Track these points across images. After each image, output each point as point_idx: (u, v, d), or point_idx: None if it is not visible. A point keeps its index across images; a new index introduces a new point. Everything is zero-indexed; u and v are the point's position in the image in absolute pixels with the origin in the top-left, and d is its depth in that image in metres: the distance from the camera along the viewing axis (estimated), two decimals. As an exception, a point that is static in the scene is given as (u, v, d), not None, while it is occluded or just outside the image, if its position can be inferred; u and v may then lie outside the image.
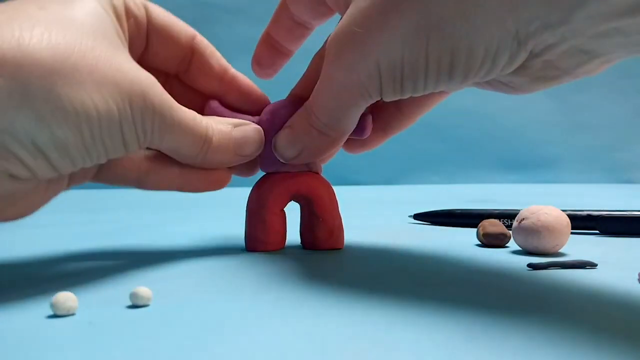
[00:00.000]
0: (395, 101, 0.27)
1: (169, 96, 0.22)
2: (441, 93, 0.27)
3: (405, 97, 0.22)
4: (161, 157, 0.26)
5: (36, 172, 0.19)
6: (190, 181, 0.26)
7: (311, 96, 0.25)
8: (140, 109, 0.21)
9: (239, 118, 0.29)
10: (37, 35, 0.18)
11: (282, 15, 0.28)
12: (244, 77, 0.29)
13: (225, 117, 0.28)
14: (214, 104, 0.29)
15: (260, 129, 0.27)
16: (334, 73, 0.22)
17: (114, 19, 0.23)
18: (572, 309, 0.18)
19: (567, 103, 1.14)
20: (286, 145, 0.26)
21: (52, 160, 0.19)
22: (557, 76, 0.21)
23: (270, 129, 0.28)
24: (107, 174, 0.25)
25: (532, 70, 0.20)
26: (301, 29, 0.29)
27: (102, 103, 0.19)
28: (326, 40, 0.25)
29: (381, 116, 0.30)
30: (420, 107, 0.29)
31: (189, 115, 0.23)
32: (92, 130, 0.19)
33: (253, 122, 0.29)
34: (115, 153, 0.21)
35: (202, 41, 0.28)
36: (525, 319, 0.17)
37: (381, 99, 0.22)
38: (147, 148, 0.24)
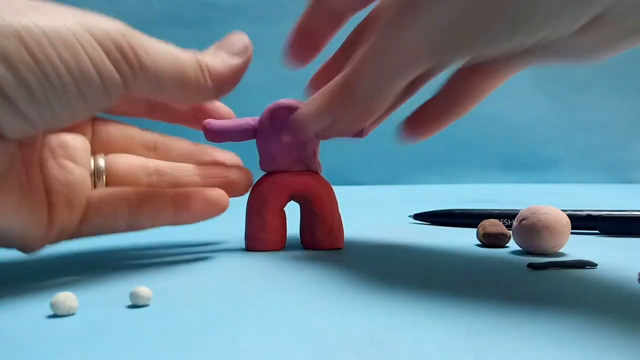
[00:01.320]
0: (459, 80, 0.26)
1: (134, 30, 0.21)
2: (504, 67, 0.25)
3: (464, 58, 0.21)
4: (151, 192, 0.25)
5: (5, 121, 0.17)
6: (187, 206, 0.26)
7: (356, 62, 0.22)
8: (102, 29, 0.19)
9: (240, 124, 0.29)
10: None
11: (319, 7, 0.28)
12: None
13: (226, 126, 0.28)
14: (210, 120, 0.29)
15: (237, 31, 0.26)
16: (390, 32, 0.20)
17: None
18: (572, 309, 0.18)
19: (567, 103, 1.13)
20: (316, 114, 0.24)
21: (5, 87, 0.17)
22: (628, 36, 0.19)
23: (270, 129, 0.28)
24: (94, 219, 0.24)
25: (602, 30, 0.19)
26: (339, 19, 0.28)
27: (43, 20, 0.18)
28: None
29: (445, 98, 0.28)
30: (487, 81, 0.26)
31: (168, 44, 0.22)
32: (41, 45, 0.17)
33: (252, 123, 0.29)
34: (88, 86, 0.19)
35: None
36: (525, 319, 0.17)
37: (436, 67, 0.21)
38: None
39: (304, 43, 0.29)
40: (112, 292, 0.20)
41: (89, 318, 0.17)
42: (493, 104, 1.11)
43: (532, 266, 0.24)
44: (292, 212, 0.31)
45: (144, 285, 0.19)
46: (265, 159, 0.29)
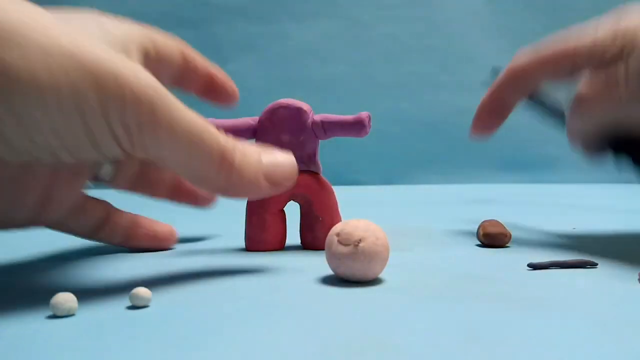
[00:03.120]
0: None
1: (168, 93, 0.18)
2: None
3: None
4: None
5: None
6: (135, 235, 0.28)
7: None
8: (113, 93, 0.16)
9: (240, 124, 0.29)
10: None
11: (515, 81, 0.30)
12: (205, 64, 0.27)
13: (226, 126, 0.28)
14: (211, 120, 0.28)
15: (292, 157, 0.22)
16: None
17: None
18: (572, 309, 0.18)
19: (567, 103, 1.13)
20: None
21: None
22: None
23: (270, 129, 0.28)
24: (73, 215, 0.25)
25: None
26: (531, 89, 0.31)
27: (45, 73, 0.15)
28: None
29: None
30: None
31: (198, 120, 0.19)
32: (27, 105, 0.15)
33: (251, 123, 0.29)
34: (81, 151, 0.17)
35: (192, 54, 0.26)
36: (525, 319, 0.17)
37: None
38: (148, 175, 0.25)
39: (493, 113, 0.32)
40: (112, 293, 0.20)
41: (89, 319, 0.17)
42: (493, 104, 1.12)
43: (532, 266, 0.24)
44: (292, 212, 0.31)
45: (143, 285, 0.19)
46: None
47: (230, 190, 0.21)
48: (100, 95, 0.16)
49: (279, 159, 0.22)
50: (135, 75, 0.17)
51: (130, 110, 0.17)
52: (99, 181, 0.27)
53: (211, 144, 0.19)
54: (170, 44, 0.24)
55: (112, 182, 0.27)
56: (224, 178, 0.20)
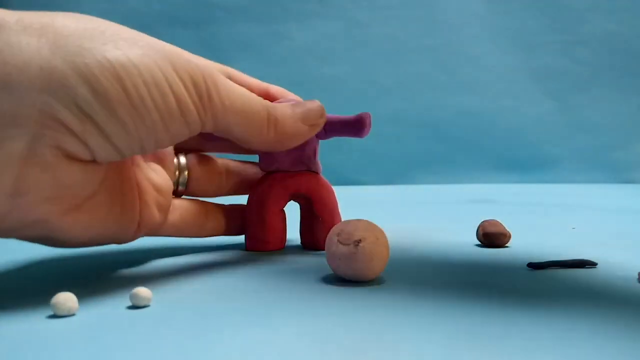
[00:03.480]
0: None
1: (214, 69, 0.22)
2: None
3: None
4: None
5: (90, 145, 0.18)
6: (236, 219, 0.30)
7: None
8: (185, 68, 0.20)
9: None
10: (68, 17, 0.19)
11: None
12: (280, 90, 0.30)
13: None
14: None
15: (318, 102, 0.27)
16: None
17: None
18: (572, 309, 0.18)
19: (567, 103, 1.13)
20: None
21: (102, 125, 0.18)
22: None
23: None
24: (171, 223, 0.26)
25: None
26: None
27: (137, 56, 0.19)
28: None
29: None
30: None
31: (243, 89, 0.23)
32: (136, 85, 0.18)
33: None
34: (174, 122, 0.20)
35: (277, 89, 0.30)
36: (525, 319, 0.17)
37: None
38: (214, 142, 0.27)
39: None
40: (112, 292, 0.20)
41: (89, 319, 0.17)
42: (493, 104, 1.12)
43: (532, 266, 0.24)
44: (292, 212, 0.31)
45: (144, 286, 0.20)
46: (265, 159, 0.29)
47: (280, 142, 0.25)
48: (177, 72, 0.20)
49: (307, 105, 0.26)
50: (197, 59, 0.22)
51: (199, 84, 0.21)
52: (177, 194, 0.28)
53: (258, 105, 0.23)
54: None
55: (186, 191, 0.29)
56: (273, 131, 0.24)
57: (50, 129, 0.17)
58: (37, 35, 0.17)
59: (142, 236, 0.25)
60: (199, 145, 0.29)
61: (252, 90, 0.28)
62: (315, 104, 0.27)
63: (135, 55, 0.19)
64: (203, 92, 0.21)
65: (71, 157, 0.18)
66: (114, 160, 0.20)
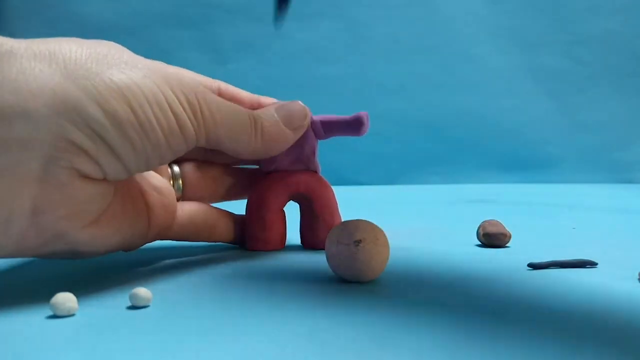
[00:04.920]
0: None
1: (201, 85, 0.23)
2: None
3: None
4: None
5: (101, 164, 0.19)
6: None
7: None
8: (179, 88, 0.21)
9: None
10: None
11: None
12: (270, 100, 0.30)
13: None
14: None
15: (299, 101, 0.27)
16: None
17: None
18: (572, 308, 0.18)
19: (567, 103, 1.13)
20: None
21: (113, 144, 0.19)
22: None
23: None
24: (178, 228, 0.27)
25: None
26: None
27: (140, 78, 0.20)
28: None
29: None
30: None
31: (231, 102, 0.24)
32: (142, 106, 0.19)
33: None
34: (174, 138, 0.21)
35: (268, 100, 0.30)
36: (525, 319, 0.17)
37: None
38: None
39: None
40: (112, 293, 0.20)
41: (89, 319, 0.17)
42: (493, 104, 1.12)
43: (532, 266, 0.24)
44: (292, 212, 0.31)
45: (143, 286, 0.20)
46: (265, 159, 0.29)
47: (267, 149, 0.26)
48: (172, 89, 0.21)
49: (290, 107, 0.27)
50: (189, 76, 0.24)
51: (193, 101, 0.22)
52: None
53: (244, 116, 0.24)
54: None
55: (182, 197, 0.29)
56: (259, 139, 0.25)
57: (64, 151, 0.18)
58: (47, 61, 0.18)
59: (154, 239, 0.25)
60: (199, 156, 0.30)
61: (243, 102, 0.29)
62: (297, 106, 0.27)
63: (138, 77, 0.20)
64: (197, 109, 0.22)
65: (84, 177, 0.19)
66: (122, 178, 0.21)
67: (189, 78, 0.23)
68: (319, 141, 0.30)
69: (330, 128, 0.29)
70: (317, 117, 0.29)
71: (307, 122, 0.27)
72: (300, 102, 0.27)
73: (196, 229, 0.27)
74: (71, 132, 0.18)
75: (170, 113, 0.21)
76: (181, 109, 0.21)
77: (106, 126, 0.19)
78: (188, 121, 0.21)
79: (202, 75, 0.28)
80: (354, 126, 0.28)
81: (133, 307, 0.18)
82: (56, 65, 0.18)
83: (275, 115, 0.26)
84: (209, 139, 0.23)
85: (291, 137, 0.27)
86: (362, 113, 0.28)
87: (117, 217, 0.21)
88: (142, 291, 0.18)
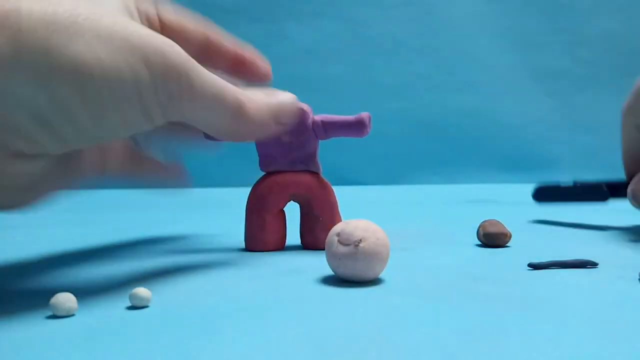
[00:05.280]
0: None
1: (195, 61, 0.20)
2: None
3: None
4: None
5: (44, 145, 0.18)
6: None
7: None
8: (160, 68, 0.18)
9: None
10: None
11: None
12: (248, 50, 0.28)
13: None
14: None
15: (294, 96, 0.25)
16: None
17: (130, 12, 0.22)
18: (572, 309, 0.18)
19: (567, 103, 1.14)
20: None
21: (57, 128, 0.17)
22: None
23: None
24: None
25: None
26: None
27: (108, 59, 0.17)
28: None
29: None
30: None
31: (217, 80, 0.21)
32: (99, 91, 0.17)
33: None
34: (135, 125, 0.19)
35: (216, 37, 0.27)
36: (525, 319, 0.17)
37: None
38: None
39: None
40: (112, 293, 0.20)
41: (89, 319, 0.17)
42: (493, 104, 1.12)
43: (532, 266, 0.24)
44: (292, 212, 0.31)
45: (143, 286, 0.19)
46: (264, 160, 0.29)
47: (245, 136, 0.23)
48: (151, 70, 0.18)
49: (281, 100, 0.24)
50: (173, 49, 0.19)
51: (173, 81, 0.19)
52: None
53: (231, 99, 0.21)
54: (182, 18, 0.26)
55: None
56: (242, 126, 0.22)
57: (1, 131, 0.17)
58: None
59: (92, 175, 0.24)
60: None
61: (189, 34, 0.26)
62: (289, 100, 0.24)
63: (106, 54, 0.17)
64: (174, 90, 0.19)
65: (19, 155, 0.18)
66: (67, 151, 0.19)
67: (176, 53, 0.19)
68: (320, 141, 0.30)
69: (331, 128, 0.29)
70: (319, 117, 0.29)
71: (295, 121, 0.25)
72: (294, 96, 0.25)
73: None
74: (15, 115, 0.16)
75: (135, 97, 0.18)
76: (151, 91, 0.18)
77: (52, 113, 0.17)
78: (156, 106, 0.19)
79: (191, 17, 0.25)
80: (356, 127, 0.28)
81: (133, 307, 0.18)
82: (7, 36, 0.16)
83: (265, 106, 0.23)
84: (185, 118, 0.20)
85: (274, 131, 0.24)
86: (365, 114, 0.28)
87: (60, 166, 0.20)
88: (142, 291, 0.18)
